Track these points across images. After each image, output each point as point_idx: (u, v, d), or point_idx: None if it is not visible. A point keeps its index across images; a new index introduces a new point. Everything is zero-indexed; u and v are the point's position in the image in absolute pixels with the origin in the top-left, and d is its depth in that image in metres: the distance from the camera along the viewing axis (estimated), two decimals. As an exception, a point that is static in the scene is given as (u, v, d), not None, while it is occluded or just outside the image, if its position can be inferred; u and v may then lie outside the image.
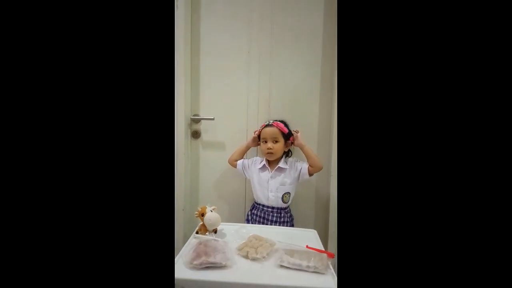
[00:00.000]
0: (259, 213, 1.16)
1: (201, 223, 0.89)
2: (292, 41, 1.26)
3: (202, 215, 0.88)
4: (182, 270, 0.69)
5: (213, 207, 0.90)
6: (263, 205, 1.16)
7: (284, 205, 1.16)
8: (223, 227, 0.95)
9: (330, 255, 0.75)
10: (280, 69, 1.28)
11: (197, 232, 0.89)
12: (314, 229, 0.99)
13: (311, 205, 1.33)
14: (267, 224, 1.13)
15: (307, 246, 0.80)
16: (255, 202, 1.20)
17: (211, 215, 0.86)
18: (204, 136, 1.34)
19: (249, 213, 1.21)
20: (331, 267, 0.72)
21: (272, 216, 1.14)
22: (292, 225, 1.19)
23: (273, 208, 1.15)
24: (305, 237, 0.91)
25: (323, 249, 0.81)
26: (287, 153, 1.21)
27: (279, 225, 1.13)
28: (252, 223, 1.17)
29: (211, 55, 1.29)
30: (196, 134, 1.33)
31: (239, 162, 1.22)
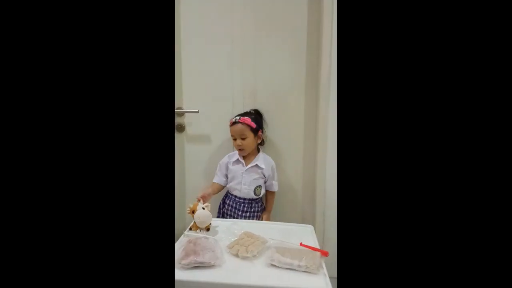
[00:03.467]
0: (231, 203, 1.18)
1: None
2: (275, 30, 1.22)
3: (193, 212, 0.86)
4: (170, 269, 0.68)
5: (205, 204, 0.88)
6: (235, 196, 1.18)
7: (255, 197, 1.17)
8: (217, 223, 0.93)
9: (324, 254, 0.72)
10: (265, 59, 1.24)
11: (190, 229, 0.87)
12: (302, 221, 0.97)
13: (298, 196, 1.32)
14: (238, 213, 1.16)
15: (301, 244, 0.77)
16: (228, 192, 1.21)
17: (200, 213, 0.84)
18: (188, 130, 1.31)
19: (221, 202, 1.22)
20: (323, 266, 0.69)
21: (244, 206, 1.16)
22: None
23: (244, 199, 1.16)
24: (301, 233, 0.89)
25: (317, 247, 0.78)
26: (260, 143, 1.21)
27: (250, 214, 1.16)
28: (224, 212, 1.19)
29: (192, 46, 1.25)
30: (180, 128, 1.30)
31: (219, 180, 1.20)
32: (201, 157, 1.31)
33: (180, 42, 1.25)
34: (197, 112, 1.25)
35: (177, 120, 1.30)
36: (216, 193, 1.19)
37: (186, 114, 1.29)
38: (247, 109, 1.25)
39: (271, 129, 1.28)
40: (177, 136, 1.31)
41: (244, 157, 1.18)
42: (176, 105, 1.28)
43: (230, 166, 1.18)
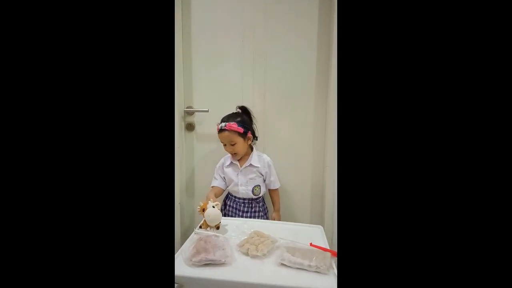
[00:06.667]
0: (232, 204, 1.18)
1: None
2: (286, 30, 1.22)
3: (204, 210, 0.86)
4: (181, 267, 0.68)
5: (215, 202, 0.89)
6: (235, 197, 1.17)
7: (254, 197, 1.16)
8: (227, 222, 0.94)
9: (334, 254, 0.72)
10: (275, 59, 1.23)
11: (200, 227, 0.88)
12: (310, 221, 0.96)
13: (307, 197, 1.31)
14: (240, 214, 1.15)
15: (311, 244, 0.77)
16: (229, 193, 1.21)
17: (210, 211, 0.84)
18: (198, 129, 1.32)
19: (223, 204, 1.21)
20: (334, 266, 0.68)
21: (244, 206, 1.16)
22: (265, 214, 1.21)
23: (244, 199, 1.16)
24: (311, 233, 0.88)
25: (327, 247, 0.77)
26: (253, 141, 1.19)
27: (250, 215, 1.15)
28: (225, 214, 1.18)
29: (204, 45, 1.26)
30: (190, 127, 1.31)
31: (219, 184, 1.18)
32: (211, 156, 1.31)
33: (190, 42, 1.26)
34: (207, 111, 1.26)
35: (187, 119, 1.31)
36: (219, 196, 1.18)
37: (196, 113, 1.30)
38: (257, 109, 1.25)
39: (280, 129, 1.28)
40: (187, 135, 1.32)
41: (238, 160, 1.17)
42: (186, 104, 1.29)
43: (225, 169, 1.18)
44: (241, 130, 1.10)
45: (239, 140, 1.10)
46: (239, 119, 1.12)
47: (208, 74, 1.28)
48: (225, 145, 1.14)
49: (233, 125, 1.09)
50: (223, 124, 1.10)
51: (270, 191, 1.22)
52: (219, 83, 1.27)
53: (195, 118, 1.31)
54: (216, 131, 1.18)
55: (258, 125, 1.23)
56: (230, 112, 1.18)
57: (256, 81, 1.25)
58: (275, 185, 1.20)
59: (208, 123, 1.30)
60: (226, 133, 1.09)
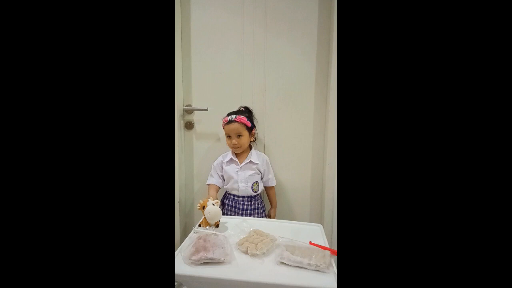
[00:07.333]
0: (230, 203, 1.18)
1: (204, 216, 0.88)
2: (286, 28, 1.21)
3: (204, 208, 0.86)
4: (180, 265, 0.68)
5: (215, 200, 0.89)
6: (234, 195, 1.18)
7: (254, 194, 1.17)
8: (226, 220, 0.94)
9: (334, 252, 0.72)
10: (274, 57, 1.23)
11: (199, 225, 0.88)
12: (310, 220, 0.96)
13: (306, 195, 1.31)
14: (239, 212, 1.16)
15: (310, 242, 0.77)
16: (226, 192, 1.22)
17: (210, 208, 0.84)
18: (197, 127, 1.32)
19: (220, 204, 1.21)
20: (334, 265, 0.68)
21: (243, 204, 1.17)
22: (264, 211, 1.21)
23: (243, 197, 1.17)
24: (310, 232, 0.88)
25: (327, 246, 0.77)
26: (253, 140, 1.22)
27: (250, 212, 1.16)
28: (224, 213, 1.18)
29: (203, 44, 1.25)
30: (189, 125, 1.31)
31: (216, 182, 1.19)
32: (210, 155, 1.31)
33: (190, 40, 1.25)
34: (206, 109, 1.25)
35: (186, 117, 1.30)
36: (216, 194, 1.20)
37: (195, 111, 1.30)
38: (257, 107, 1.25)
39: (280, 127, 1.28)
40: (186, 133, 1.32)
41: (237, 156, 1.19)
42: (185, 103, 1.29)
43: (224, 167, 1.19)
44: (249, 124, 1.14)
45: (246, 133, 1.14)
46: (247, 115, 1.17)
47: (207, 73, 1.27)
48: (229, 137, 1.15)
49: (243, 118, 1.13)
50: (233, 116, 1.14)
51: (267, 189, 1.24)
52: (218, 82, 1.27)
53: (194, 117, 1.31)
54: (216, 130, 1.19)
55: (258, 123, 1.24)
56: (230, 111, 1.18)
57: (256, 79, 1.25)
58: (272, 182, 1.22)
59: (207, 122, 1.29)
60: (236, 124, 1.12)
